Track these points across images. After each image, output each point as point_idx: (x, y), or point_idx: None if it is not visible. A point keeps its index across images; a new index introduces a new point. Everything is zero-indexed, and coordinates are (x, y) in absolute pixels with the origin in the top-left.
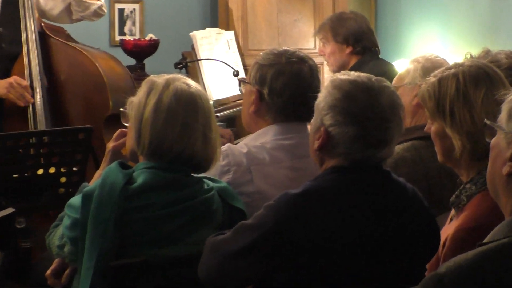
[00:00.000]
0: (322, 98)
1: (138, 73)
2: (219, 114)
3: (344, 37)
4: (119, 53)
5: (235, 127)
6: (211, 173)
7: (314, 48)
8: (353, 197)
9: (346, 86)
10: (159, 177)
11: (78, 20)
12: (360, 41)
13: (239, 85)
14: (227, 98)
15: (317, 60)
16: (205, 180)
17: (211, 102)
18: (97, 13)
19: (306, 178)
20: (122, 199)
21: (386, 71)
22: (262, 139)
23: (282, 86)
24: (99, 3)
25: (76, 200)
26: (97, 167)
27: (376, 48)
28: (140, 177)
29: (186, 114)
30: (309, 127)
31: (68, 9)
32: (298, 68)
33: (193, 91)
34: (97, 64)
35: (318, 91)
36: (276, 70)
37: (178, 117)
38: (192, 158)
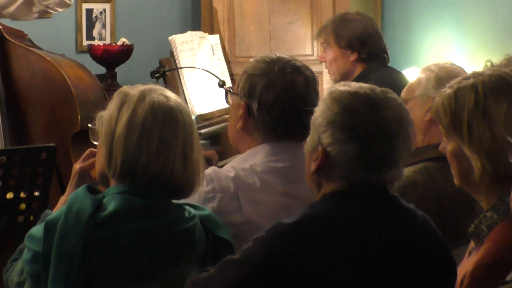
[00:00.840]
0: (320, 113)
1: (109, 83)
2: (202, 131)
3: (348, 41)
4: (87, 60)
5: (221, 145)
6: (193, 200)
7: (312, 55)
8: (356, 227)
9: (346, 98)
10: (132, 203)
11: (40, 13)
12: (366, 46)
13: (226, 96)
14: (212, 113)
15: (316, 68)
16: (186, 207)
17: (193, 117)
18: (63, 2)
19: (301, 206)
20: (90, 229)
21: (396, 81)
22: (251, 160)
23: (273, 99)
24: None
25: (37, 230)
26: (63, 192)
27: (385, 55)
28: (111, 203)
29: (164, 131)
30: (305, 146)
31: (28, 0)
32: (292, 80)
33: (172, 104)
34: (63, 73)
35: (315, 105)
36: (267, 81)
37: (154, 134)
38: (170, 182)
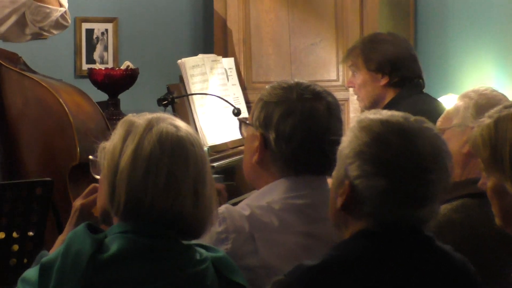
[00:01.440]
0: (347, 143)
1: (112, 111)
2: (215, 164)
3: (378, 64)
4: (87, 86)
5: (235, 180)
6: (205, 241)
7: (337, 80)
8: (385, 271)
9: (376, 127)
10: (137, 244)
11: (34, 35)
12: (398, 69)
13: (240, 127)
14: (225, 144)
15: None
16: (197, 248)
17: (205, 149)
18: (60, 24)
19: (323, 248)
20: (90, 272)
21: (431, 109)
22: (268, 197)
23: (292, 129)
24: (62, 9)
25: (32, 273)
26: (60, 231)
27: (420, 80)
28: (113, 244)
29: (173, 164)
30: (329, 181)
31: (21, 21)
32: (311, 107)
33: (182, 135)
34: (60, 100)
35: (338, 135)
36: (285, 109)
37: (162, 168)
38: (180, 221)
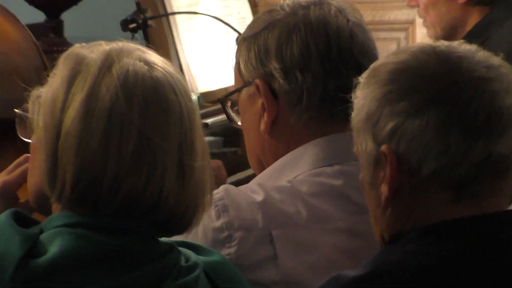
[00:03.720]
0: (361, 104)
1: (51, 39)
2: (209, 120)
3: None
4: (15, 2)
5: (240, 145)
6: (196, 237)
7: None
8: (465, 284)
9: (391, 65)
10: (92, 244)
11: None
12: None
13: (225, 107)
14: (224, 90)
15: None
16: (182, 249)
17: (194, 98)
18: None
19: (371, 250)
20: (18, 284)
21: None
22: (290, 172)
23: (303, 47)
24: None
25: None
26: None
27: None
28: (53, 244)
29: (145, 123)
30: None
31: None
32: (316, 13)
33: (158, 76)
34: None
35: (373, 53)
36: (282, 29)
37: (130, 129)
38: (157, 209)
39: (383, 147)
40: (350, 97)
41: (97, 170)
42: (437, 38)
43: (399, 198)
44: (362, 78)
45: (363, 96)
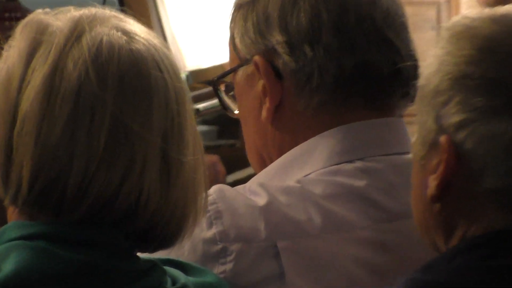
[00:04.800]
0: (433, 68)
1: (2, 4)
2: (201, 105)
3: None
4: None
5: (239, 137)
6: (182, 254)
7: None
8: None
9: (486, 29)
10: (53, 262)
11: None
12: None
13: (218, 93)
14: (220, 68)
15: None
16: (168, 269)
17: (183, 77)
18: None
19: (402, 267)
20: None
21: None
22: (299, 170)
23: (312, 12)
24: None
25: None
26: None
27: None
28: (7, 261)
29: (122, 107)
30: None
31: None
32: None
33: (139, 49)
34: None
35: (400, 21)
36: None
37: (103, 114)
38: (136, 215)
39: (444, 138)
40: (372, 76)
41: (61, 165)
42: (488, 4)
43: (448, 198)
44: (447, 30)
45: (439, 60)
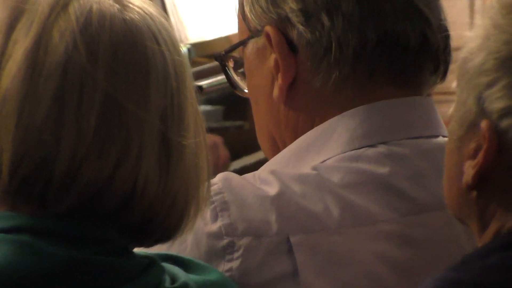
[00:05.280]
0: (478, 44)
1: None
2: (204, 82)
3: None
4: None
5: (247, 118)
6: (184, 249)
7: None
8: None
9: None
10: (39, 258)
11: None
12: None
13: (226, 69)
14: (226, 40)
15: None
16: (167, 266)
17: (184, 51)
18: None
19: (431, 264)
20: None
21: None
22: (315, 155)
23: None
24: None
25: None
26: None
27: None
28: None
29: (115, 84)
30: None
31: None
32: None
33: (134, 19)
34: None
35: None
36: None
37: (93, 92)
38: (131, 205)
39: (485, 124)
40: (397, 48)
41: (46, 149)
42: None
43: (485, 188)
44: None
45: (485, 33)
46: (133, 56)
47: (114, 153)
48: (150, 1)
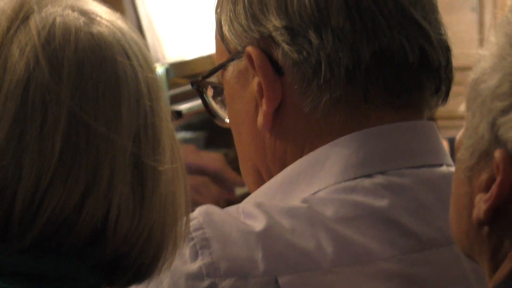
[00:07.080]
0: (491, 64)
1: None
2: (183, 107)
3: None
4: None
5: (231, 146)
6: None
7: None
8: None
9: None
10: None
11: None
12: None
13: (204, 97)
14: (209, 58)
15: None
16: None
17: (160, 71)
18: None
19: None
20: None
21: None
22: (305, 187)
23: None
24: None
25: None
26: None
27: None
28: None
29: (82, 104)
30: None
31: None
32: None
33: (102, 32)
34: None
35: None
36: None
37: (57, 113)
38: (102, 240)
39: (500, 154)
40: (394, 66)
41: (6, 177)
42: None
43: (498, 223)
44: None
45: (500, 52)
46: (102, 72)
47: (82, 180)
48: (119, 15)
